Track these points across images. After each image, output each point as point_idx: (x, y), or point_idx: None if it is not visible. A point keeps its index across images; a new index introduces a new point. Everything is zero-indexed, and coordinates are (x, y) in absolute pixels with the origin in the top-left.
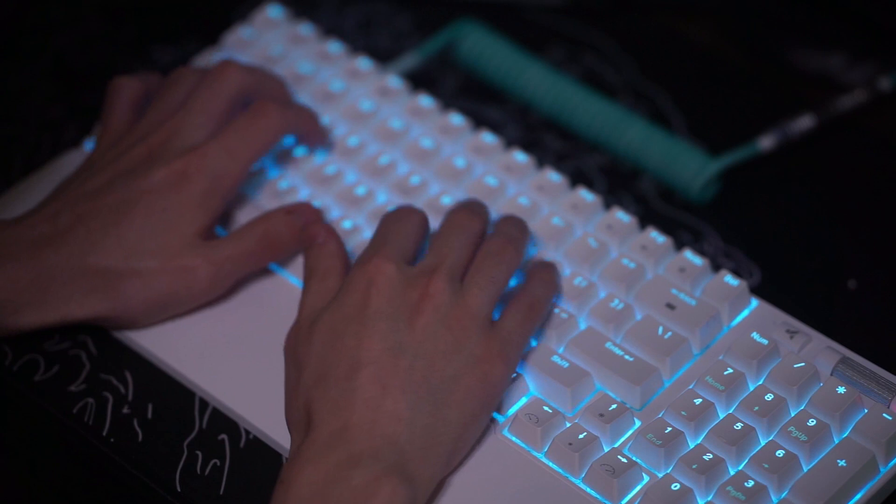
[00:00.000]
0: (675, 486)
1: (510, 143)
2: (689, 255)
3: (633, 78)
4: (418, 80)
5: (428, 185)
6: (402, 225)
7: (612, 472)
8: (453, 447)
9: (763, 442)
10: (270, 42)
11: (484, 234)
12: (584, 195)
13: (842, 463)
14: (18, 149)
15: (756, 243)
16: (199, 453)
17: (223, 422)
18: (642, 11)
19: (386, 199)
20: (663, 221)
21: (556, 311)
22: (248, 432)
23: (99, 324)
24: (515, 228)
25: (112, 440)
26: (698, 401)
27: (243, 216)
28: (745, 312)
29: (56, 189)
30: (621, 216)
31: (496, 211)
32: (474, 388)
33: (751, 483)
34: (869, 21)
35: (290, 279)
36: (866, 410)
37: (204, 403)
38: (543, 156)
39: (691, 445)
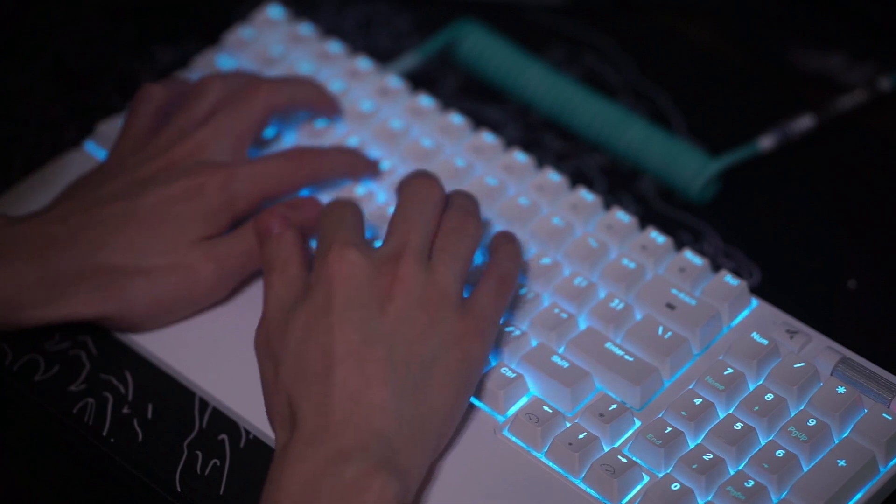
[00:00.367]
0: (675, 486)
1: (510, 143)
2: (689, 255)
3: (633, 78)
4: (418, 80)
5: None
6: (342, 212)
7: (612, 472)
8: (439, 432)
9: (763, 442)
10: (270, 42)
11: (443, 199)
12: (584, 195)
13: (842, 463)
14: (18, 149)
15: (756, 243)
16: (199, 453)
17: (223, 422)
18: (642, 11)
19: (386, 200)
20: (663, 221)
21: (556, 311)
22: (248, 432)
23: (104, 325)
24: (469, 201)
25: (112, 440)
26: (698, 401)
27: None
28: (745, 312)
29: (69, 188)
30: (621, 216)
31: (496, 211)
32: (454, 368)
33: (751, 483)
34: (869, 21)
35: None
36: (866, 410)
37: (204, 403)
38: (543, 156)
39: (691, 445)
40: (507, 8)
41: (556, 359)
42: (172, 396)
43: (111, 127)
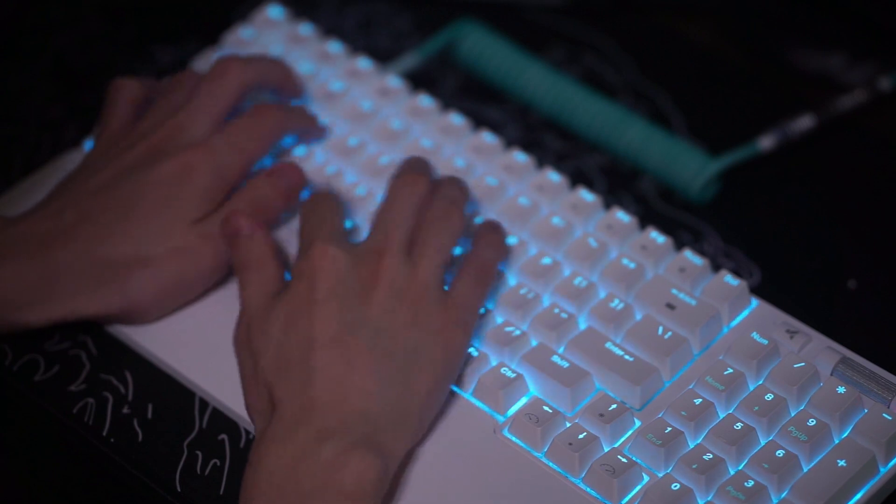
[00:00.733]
0: (675, 486)
1: (510, 143)
2: (689, 255)
3: (633, 78)
4: (418, 80)
5: None
6: (323, 207)
7: (612, 472)
8: (420, 418)
9: (763, 442)
10: (270, 42)
11: (428, 192)
12: (584, 195)
13: (842, 463)
14: (18, 149)
15: (756, 243)
16: (199, 453)
17: (223, 422)
18: (642, 11)
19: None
20: (663, 221)
21: (556, 311)
22: (248, 432)
23: (110, 321)
24: (456, 189)
25: (112, 440)
26: (698, 401)
27: None
28: (745, 312)
29: (56, 187)
30: (621, 216)
31: (496, 212)
32: (437, 359)
33: (751, 483)
34: (869, 21)
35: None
36: (866, 410)
37: (204, 403)
38: (543, 156)
39: (691, 445)
40: (507, 8)
41: (556, 359)
42: (172, 396)
43: None
